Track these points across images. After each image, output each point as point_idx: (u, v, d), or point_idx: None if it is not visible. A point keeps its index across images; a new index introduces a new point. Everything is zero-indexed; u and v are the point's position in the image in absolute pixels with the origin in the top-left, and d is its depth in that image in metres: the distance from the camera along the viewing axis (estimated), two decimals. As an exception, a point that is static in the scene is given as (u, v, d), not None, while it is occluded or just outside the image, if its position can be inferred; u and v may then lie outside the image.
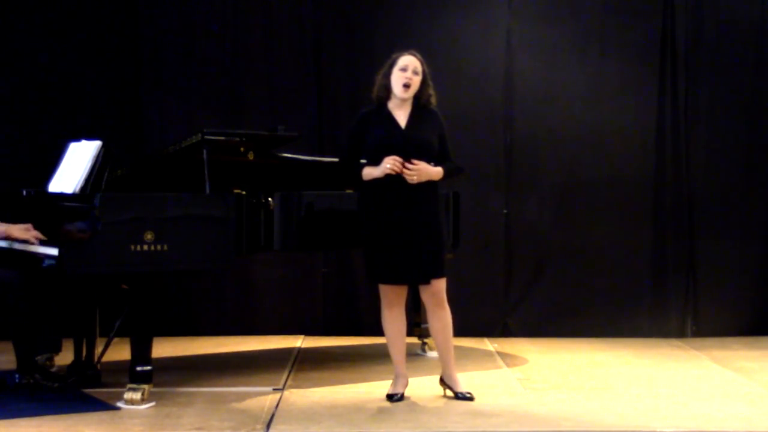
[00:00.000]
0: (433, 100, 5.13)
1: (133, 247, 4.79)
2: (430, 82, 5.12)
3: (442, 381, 5.25)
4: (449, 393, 5.20)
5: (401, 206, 4.98)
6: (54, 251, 4.81)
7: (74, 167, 5.38)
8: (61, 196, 5.32)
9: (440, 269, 5.05)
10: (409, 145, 5.00)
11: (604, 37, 7.19)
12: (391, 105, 5.10)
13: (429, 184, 5.04)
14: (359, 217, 5.12)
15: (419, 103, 5.10)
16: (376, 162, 5.00)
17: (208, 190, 5.10)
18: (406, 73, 5.04)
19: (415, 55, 5.09)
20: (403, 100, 5.08)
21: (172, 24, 7.13)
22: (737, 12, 7.24)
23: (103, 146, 5.32)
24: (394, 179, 4.95)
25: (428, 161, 5.04)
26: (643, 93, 7.20)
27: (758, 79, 7.23)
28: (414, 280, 5.10)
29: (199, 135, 5.17)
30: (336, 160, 6.08)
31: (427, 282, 5.05)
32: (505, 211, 7.18)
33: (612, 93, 7.19)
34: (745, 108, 7.24)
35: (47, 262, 4.88)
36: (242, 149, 5.54)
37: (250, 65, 7.15)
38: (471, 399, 5.12)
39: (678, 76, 7.18)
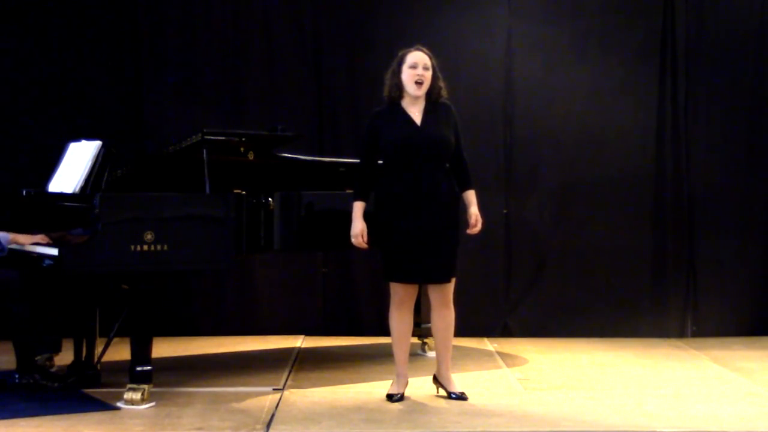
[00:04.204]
0: (444, 92, 5.12)
1: (133, 247, 4.79)
2: (440, 75, 5.11)
3: (435, 379, 5.25)
4: (442, 392, 5.21)
5: (421, 206, 4.97)
6: (54, 251, 4.81)
7: (74, 167, 5.38)
8: (61, 196, 5.32)
9: (455, 269, 5.06)
10: (427, 144, 4.99)
11: (604, 37, 7.19)
12: (405, 103, 5.08)
13: (448, 185, 5.05)
14: (375, 217, 5.08)
15: (431, 98, 5.09)
16: (393, 162, 5.00)
17: (208, 190, 5.10)
18: (416, 70, 5.02)
19: (422, 50, 5.08)
20: (417, 97, 5.07)
21: (172, 24, 7.13)
22: (737, 12, 7.24)
23: (103, 146, 5.32)
24: (413, 180, 4.96)
25: (445, 159, 5.05)
26: (643, 93, 7.20)
27: (758, 79, 7.22)
28: (431, 280, 5.09)
29: (199, 135, 5.17)
30: (336, 160, 6.14)
31: (445, 281, 5.06)
32: (505, 211, 7.18)
33: (612, 93, 7.19)
34: (745, 107, 7.23)
35: (47, 262, 4.88)
36: (242, 149, 5.55)
37: (250, 65, 7.15)
38: (464, 399, 5.12)
39: (678, 76, 7.18)
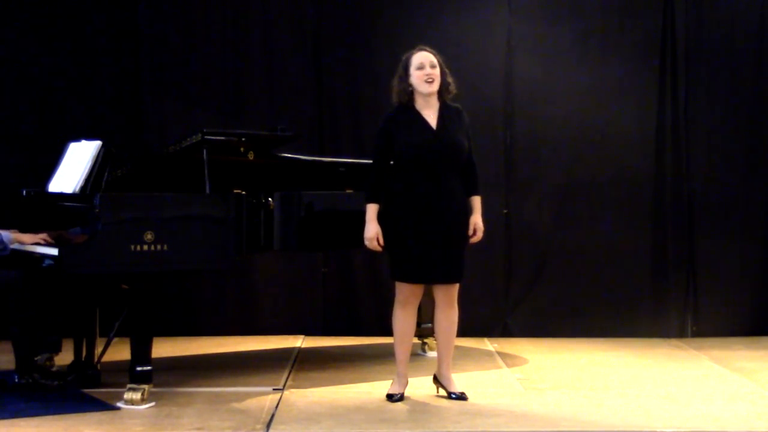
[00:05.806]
0: (453, 88, 5.10)
1: (133, 247, 4.79)
2: (447, 70, 5.10)
3: (435, 379, 5.25)
4: (442, 392, 5.20)
5: (435, 209, 4.97)
6: (54, 251, 4.81)
7: (74, 167, 5.38)
8: (61, 196, 5.32)
9: (463, 269, 5.06)
10: (442, 148, 4.98)
11: (604, 37, 7.19)
12: (419, 105, 5.06)
13: (458, 186, 5.05)
14: (385, 217, 5.04)
15: (444, 97, 5.07)
16: (407, 165, 4.98)
17: (208, 190, 5.10)
18: (425, 69, 5.01)
19: (426, 49, 5.07)
20: (430, 95, 5.04)
21: (172, 24, 7.13)
22: (737, 12, 7.23)
23: (103, 146, 5.32)
24: (427, 183, 4.96)
25: (459, 164, 5.04)
26: (643, 93, 7.20)
27: (758, 79, 7.22)
28: (442, 280, 5.06)
29: (199, 135, 5.18)
30: (336, 160, 6.14)
31: (456, 282, 5.05)
32: (505, 211, 7.18)
33: (612, 93, 7.19)
34: (745, 108, 7.23)
35: (47, 262, 4.88)
36: (242, 149, 5.55)
37: (250, 65, 7.15)
38: (464, 399, 5.12)
39: (678, 76, 7.18)
